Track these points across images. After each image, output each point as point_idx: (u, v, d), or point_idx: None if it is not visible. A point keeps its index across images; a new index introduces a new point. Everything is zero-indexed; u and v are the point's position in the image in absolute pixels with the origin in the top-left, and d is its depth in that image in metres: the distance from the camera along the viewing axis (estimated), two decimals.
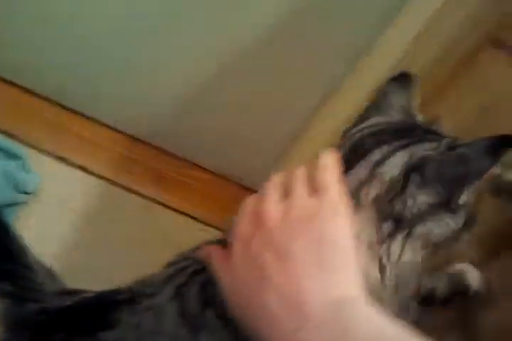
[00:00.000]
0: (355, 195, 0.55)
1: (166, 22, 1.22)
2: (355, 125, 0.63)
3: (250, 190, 1.48)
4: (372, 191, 0.55)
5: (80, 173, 1.40)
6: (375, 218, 0.54)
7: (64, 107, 1.47)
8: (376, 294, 0.51)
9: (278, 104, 1.31)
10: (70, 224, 1.32)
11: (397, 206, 0.54)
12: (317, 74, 1.23)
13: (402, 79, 0.64)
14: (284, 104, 1.30)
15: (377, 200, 0.54)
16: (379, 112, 0.62)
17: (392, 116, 0.61)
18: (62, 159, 1.40)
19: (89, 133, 1.46)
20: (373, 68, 1.06)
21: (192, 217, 1.38)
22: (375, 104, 0.64)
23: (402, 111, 0.62)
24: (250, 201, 0.60)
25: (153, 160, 1.46)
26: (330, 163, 0.56)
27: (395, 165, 0.55)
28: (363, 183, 0.55)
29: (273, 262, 0.50)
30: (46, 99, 1.45)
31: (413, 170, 0.53)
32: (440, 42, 0.91)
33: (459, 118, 0.84)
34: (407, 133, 0.57)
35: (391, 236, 0.54)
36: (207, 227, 1.37)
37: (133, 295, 0.65)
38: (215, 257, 0.59)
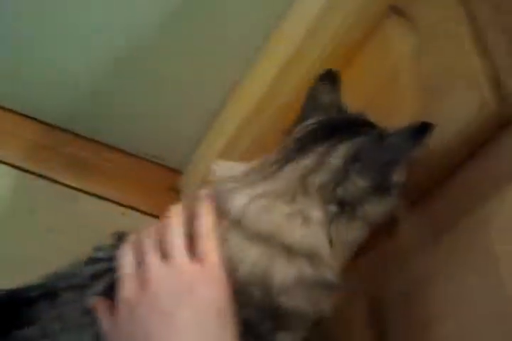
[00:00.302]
0: (302, 182, 0.62)
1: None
2: (296, 123, 0.69)
3: (172, 170, 1.47)
4: (319, 178, 0.62)
5: None
6: (320, 202, 0.61)
7: None
8: (328, 261, 0.60)
9: (195, 83, 1.28)
10: None
11: (340, 192, 0.61)
12: (231, 54, 1.21)
13: (327, 77, 0.72)
14: (201, 83, 1.28)
15: (322, 187, 0.61)
16: (318, 111, 0.69)
17: (329, 113, 0.69)
18: None
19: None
20: (287, 38, 1.06)
21: (113, 202, 1.35)
22: (311, 104, 0.71)
23: (335, 107, 0.70)
24: (129, 259, 0.62)
25: (68, 145, 1.41)
26: (207, 217, 0.61)
27: (339, 155, 0.62)
28: (310, 171, 0.62)
29: (158, 325, 0.54)
30: None
31: (353, 160, 0.62)
32: (347, 11, 0.92)
33: (368, 83, 0.86)
34: (346, 127, 0.66)
35: (337, 217, 0.62)
36: (129, 210, 1.35)
37: (48, 291, 0.63)
38: (101, 311, 0.61)
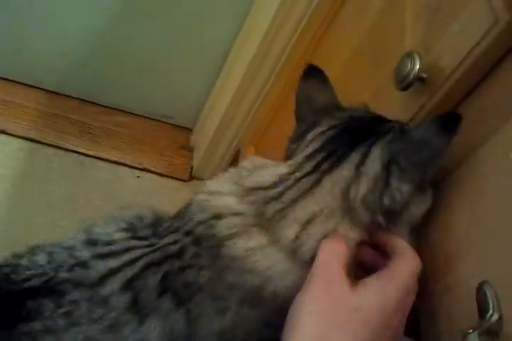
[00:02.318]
0: (345, 197, 0.56)
1: None
2: (299, 130, 0.64)
3: (182, 129, 1.45)
4: (361, 190, 0.57)
5: (0, 137, 1.34)
6: (366, 217, 0.57)
7: None
8: None
9: (198, 37, 1.25)
10: (2, 191, 1.27)
11: (386, 201, 0.57)
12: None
13: (312, 73, 0.66)
14: (203, 37, 1.24)
15: (366, 198, 0.56)
16: (317, 113, 0.64)
17: (330, 113, 0.63)
18: None
19: (2, 94, 1.38)
20: None
21: (126, 165, 1.34)
22: (306, 106, 0.65)
23: (332, 105, 0.64)
24: None
25: (74, 112, 1.39)
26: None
27: (375, 162, 0.57)
28: (350, 183, 0.57)
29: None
30: None
31: (389, 163, 0.57)
32: None
33: (337, 61, 0.82)
34: (366, 129, 0.60)
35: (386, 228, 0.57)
36: (143, 173, 1.34)
37: (51, 282, 0.61)
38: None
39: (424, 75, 0.55)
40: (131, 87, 1.38)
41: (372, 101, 0.67)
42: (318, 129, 0.61)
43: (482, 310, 0.44)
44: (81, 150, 1.34)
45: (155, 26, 1.23)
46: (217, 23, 1.21)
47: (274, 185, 0.58)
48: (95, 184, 1.31)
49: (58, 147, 1.34)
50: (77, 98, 1.40)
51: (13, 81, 1.40)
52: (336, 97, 0.65)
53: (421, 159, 0.56)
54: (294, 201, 0.57)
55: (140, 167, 1.34)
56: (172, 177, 1.35)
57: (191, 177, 1.37)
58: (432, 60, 0.55)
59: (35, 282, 0.60)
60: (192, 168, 1.35)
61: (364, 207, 0.56)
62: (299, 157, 0.60)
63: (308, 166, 0.59)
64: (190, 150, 1.40)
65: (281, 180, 0.58)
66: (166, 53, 1.29)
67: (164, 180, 1.34)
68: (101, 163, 1.34)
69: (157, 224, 0.64)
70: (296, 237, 0.55)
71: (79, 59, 1.32)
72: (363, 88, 0.72)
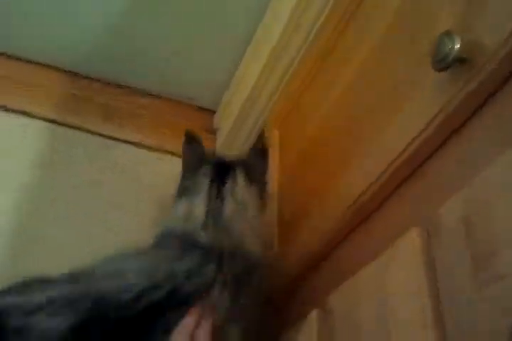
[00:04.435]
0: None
1: None
2: (193, 175, 0.97)
3: (204, 110, 1.43)
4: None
5: (23, 119, 1.33)
6: None
7: None
8: None
9: (221, 18, 1.22)
10: (28, 174, 1.26)
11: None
12: None
13: (189, 138, 1.00)
14: (227, 18, 1.21)
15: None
16: (202, 163, 0.97)
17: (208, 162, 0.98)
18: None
19: (25, 75, 1.37)
20: None
21: (149, 148, 1.33)
22: (191, 161, 0.99)
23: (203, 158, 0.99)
24: None
25: (97, 94, 1.38)
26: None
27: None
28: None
29: None
30: None
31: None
32: None
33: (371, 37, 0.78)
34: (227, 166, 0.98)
35: None
36: (165, 155, 1.32)
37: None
38: None
39: (464, 55, 0.52)
40: (154, 69, 1.36)
41: (406, 82, 0.65)
42: (201, 171, 0.95)
43: None
44: (104, 132, 1.33)
45: (179, 5, 1.20)
46: (242, 0, 1.18)
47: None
48: (118, 166, 1.30)
49: (80, 129, 1.33)
50: (99, 79, 1.39)
51: (35, 62, 1.38)
52: (204, 153, 0.99)
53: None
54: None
55: (162, 149, 1.33)
56: None
57: None
58: (473, 38, 0.52)
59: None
60: (215, 150, 1.33)
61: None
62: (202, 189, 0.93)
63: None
64: (213, 132, 1.39)
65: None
66: (189, 34, 1.26)
67: None
68: (123, 145, 1.33)
69: None
70: None
71: (102, 40, 1.30)
72: (397, 67, 0.69)
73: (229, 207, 0.89)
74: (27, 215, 1.19)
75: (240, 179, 0.94)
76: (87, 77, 1.39)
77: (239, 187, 0.92)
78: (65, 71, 1.38)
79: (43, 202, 1.23)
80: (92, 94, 1.38)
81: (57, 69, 1.38)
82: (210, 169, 0.95)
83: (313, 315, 0.68)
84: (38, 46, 1.36)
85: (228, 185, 0.92)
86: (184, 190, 0.94)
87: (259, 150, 0.99)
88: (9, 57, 1.38)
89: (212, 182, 0.92)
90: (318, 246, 0.80)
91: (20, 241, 1.16)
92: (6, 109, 1.31)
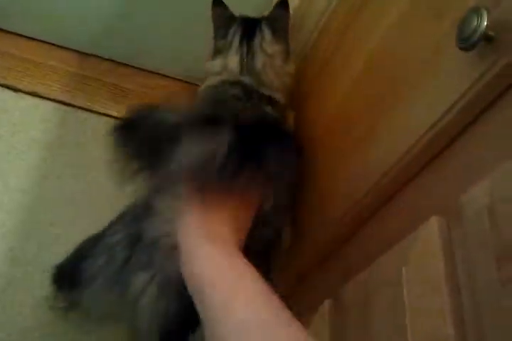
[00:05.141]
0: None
1: None
2: (224, 34, 1.06)
3: None
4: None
5: (32, 100, 1.31)
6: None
7: (1, 30, 1.34)
8: None
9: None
10: (35, 156, 1.25)
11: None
12: None
13: (216, 3, 1.06)
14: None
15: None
16: (229, 22, 1.06)
17: (236, 21, 1.06)
18: (8, 87, 1.30)
19: (34, 55, 1.35)
20: None
21: None
22: (220, 23, 1.07)
23: (232, 17, 1.07)
24: None
25: (107, 74, 1.35)
26: None
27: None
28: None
29: None
30: None
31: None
32: None
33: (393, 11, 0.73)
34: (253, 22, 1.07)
35: None
36: None
37: None
38: None
39: (492, 33, 0.49)
40: (165, 49, 1.33)
41: (430, 61, 0.61)
42: (231, 30, 1.04)
43: None
44: (113, 113, 1.31)
45: None
46: None
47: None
48: None
49: (90, 110, 1.31)
50: (109, 60, 1.36)
51: (44, 42, 1.36)
52: (232, 14, 1.06)
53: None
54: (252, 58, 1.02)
55: None
56: None
57: None
58: (502, 15, 0.48)
59: None
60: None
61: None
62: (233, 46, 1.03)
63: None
64: None
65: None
66: (201, 15, 1.23)
67: None
68: None
69: None
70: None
71: (112, 20, 1.27)
72: (421, 45, 0.65)
73: (259, 60, 1.00)
74: (34, 195, 1.19)
75: (267, 34, 1.02)
76: (96, 57, 1.36)
77: (266, 41, 1.02)
78: (74, 51, 1.36)
79: (51, 182, 1.22)
80: (101, 75, 1.35)
81: (66, 49, 1.36)
82: (238, 27, 1.04)
83: (326, 305, 0.66)
84: (47, 26, 1.33)
85: (257, 40, 1.02)
86: (217, 52, 1.05)
87: (282, 3, 1.03)
88: (20, 36, 1.35)
89: (242, 39, 1.03)
90: (332, 235, 0.78)
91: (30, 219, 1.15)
92: (16, 90, 1.29)
